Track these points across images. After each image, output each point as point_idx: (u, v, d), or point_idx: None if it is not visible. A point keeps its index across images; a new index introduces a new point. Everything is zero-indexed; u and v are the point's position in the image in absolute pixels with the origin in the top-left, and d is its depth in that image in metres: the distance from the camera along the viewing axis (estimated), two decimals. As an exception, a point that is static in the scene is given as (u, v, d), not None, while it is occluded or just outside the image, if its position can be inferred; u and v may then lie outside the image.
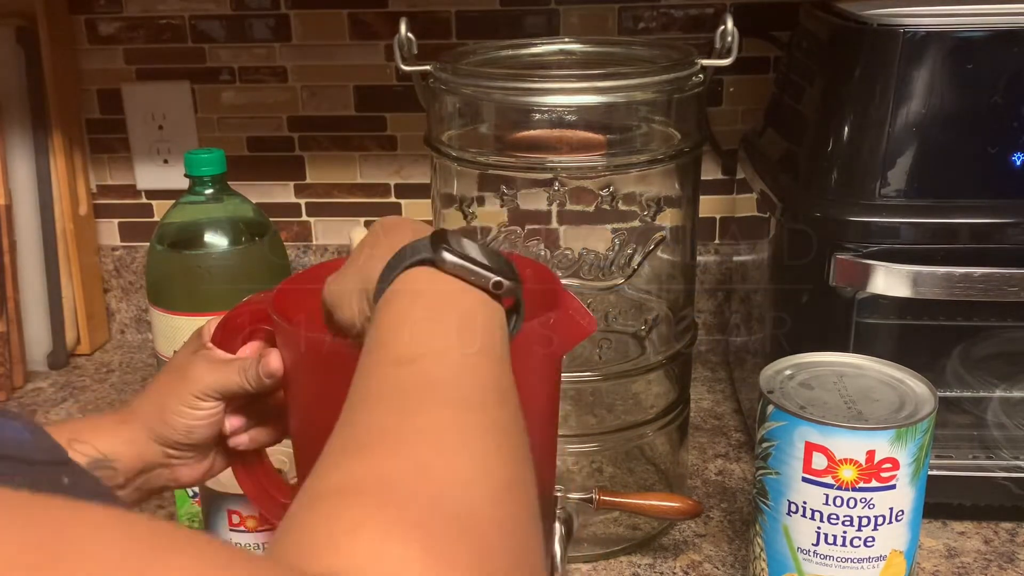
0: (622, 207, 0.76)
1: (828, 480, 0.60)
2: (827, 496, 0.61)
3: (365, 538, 0.31)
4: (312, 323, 0.56)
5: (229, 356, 0.60)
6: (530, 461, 0.41)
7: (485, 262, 0.48)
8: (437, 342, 0.44)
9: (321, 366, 0.55)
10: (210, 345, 0.61)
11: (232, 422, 0.61)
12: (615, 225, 0.77)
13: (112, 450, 0.58)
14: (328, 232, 1.18)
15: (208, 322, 0.61)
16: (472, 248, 0.49)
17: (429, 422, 0.39)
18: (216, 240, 0.83)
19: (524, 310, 0.51)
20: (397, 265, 0.48)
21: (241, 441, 0.61)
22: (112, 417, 0.60)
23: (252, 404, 0.61)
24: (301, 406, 0.59)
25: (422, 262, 0.48)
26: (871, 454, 0.59)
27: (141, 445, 0.59)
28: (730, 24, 0.76)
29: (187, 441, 0.60)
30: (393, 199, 1.17)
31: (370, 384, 0.42)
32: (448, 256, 0.47)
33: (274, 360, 0.58)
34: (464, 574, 0.32)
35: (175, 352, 0.64)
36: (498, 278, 0.48)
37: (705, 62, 0.76)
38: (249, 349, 0.61)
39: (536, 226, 0.76)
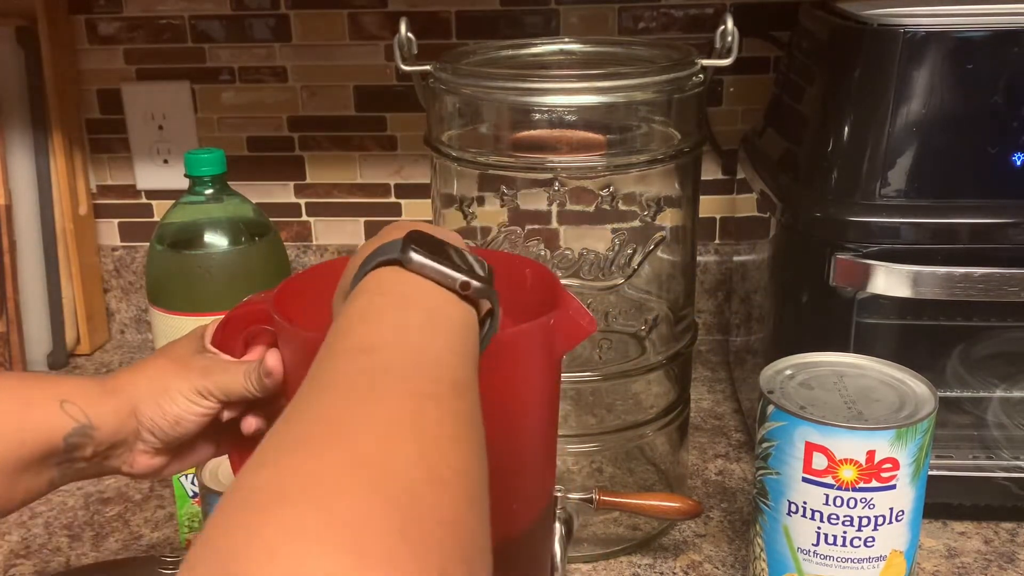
0: (622, 207, 0.76)
1: (828, 480, 0.60)
2: (827, 496, 0.61)
3: (291, 550, 0.28)
4: (314, 323, 0.55)
5: (233, 359, 0.59)
6: (484, 458, 0.39)
7: (455, 262, 0.48)
8: (398, 334, 0.43)
9: None
10: (212, 348, 0.60)
11: (248, 423, 0.60)
12: (615, 225, 0.76)
13: (96, 417, 0.57)
14: (328, 232, 1.18)
15: (210, 323, 0.61)
16: (445, 249, 0.48)
17: (378, 411, 0.36)
18: (216, 240, 0.83)
19: (499, 314, 0.50)
20: (367, 264, 0.48)
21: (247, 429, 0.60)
22: (98, 385, 0.59)
23: (253, 405, 0.60)
24: None
25: (389, 262, 0.48)
26: (871, 454, 0.59)
27: (122, 418, 0.58)
28: (730, 24, 0.76)
29: (169, 430, 0.58)
30: (393, 199, 1.17)
31: (322, 373, 0.40)
32: (415, 256, 0.47)
33: (272, 359, 0.57)
34: (403, 574, 0.29)
35: (170, 342, 0.63)
36: (465, 278, 0.47)
37: (705, 62, 0.76)
38: (254, 353, 0.60)
39: (536, 226, 0.76)
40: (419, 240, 0.48)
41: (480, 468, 0.38)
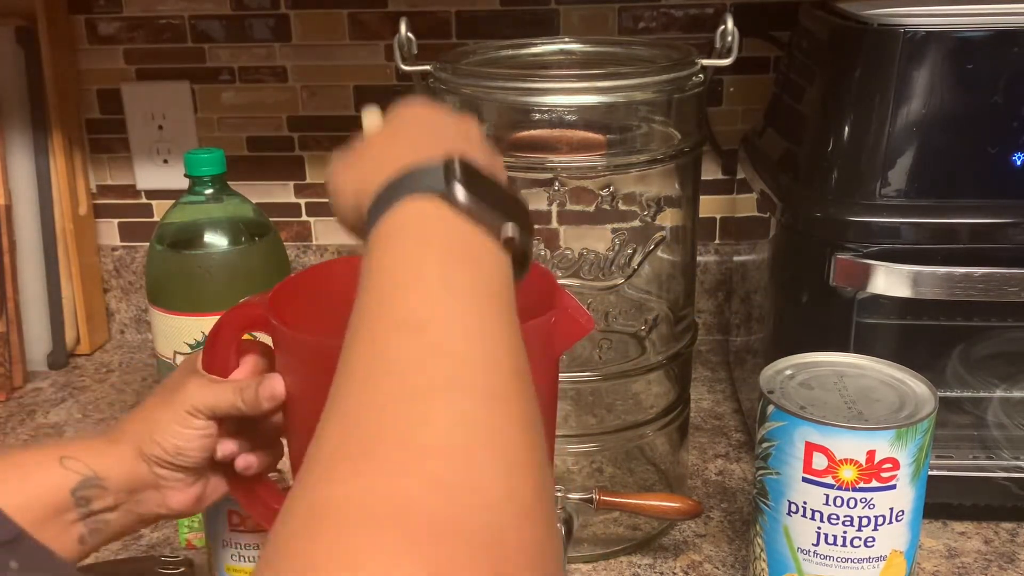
0: (622, 207, 0.76)
1: (828, 480, 0.60)
2: (827, 496, 0.61)
3: (376, 567, 0.27)
4: (313, 327, 0.54)
5: (223, 380, 0.58)
6: (550, 465, 0.37)
7: (503, 203, 0.41)
8: (448, 303, 0.37)
9: (329, 377, 0.54)
10: (203, 371, 0.58)
11: (225, 447, 0.58)
12: (615, 225, 0.76)
13: (102, 468, 0.56)
14: (328, 232, 1.18)
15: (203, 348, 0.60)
16: (493, 185, 0.42)
17: (443, 417, 0.32)
18: (216, 240, 0.83)
19: (529, 265, 0.44)
20: (399, 189, 0.41)
21: (240, 465, 0.58)
22: (102, 437, 0.58)
23: (248, 428, 0.59)
24: (303, 424, 0.54)
25: (427, 191, 0.40)
26: (871, 454, 0.59)
27: (130, 463, 0.57)
28: (730, 24, 0.76)
29: (175, 462, 0.57)
30: (393, 199, 1.17)
31: (366, 353, 0.35)
32: (462, 194, 0.40)
33: (277, 383, 0.55)
34: None
35: (170, 375, 0.62)
36: (513, 228, 0.41)
37: (705, 62, 0.76)
38: (245, 369, 0.59)
39: (536, 226, 0.76)
40: (467, 171, 0.41)
41: (549, 482, 0.35)
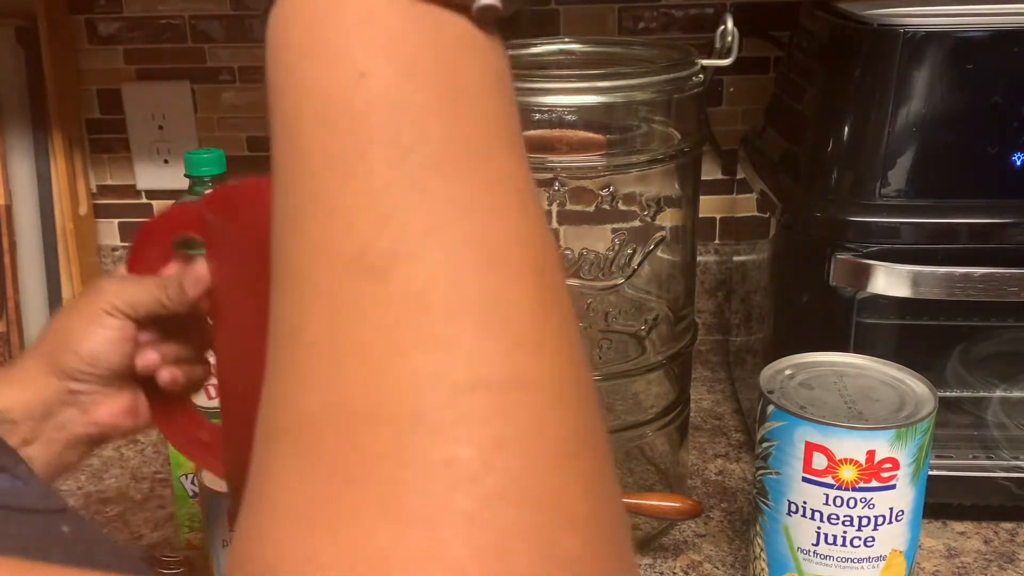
0: (622, 207, 0.76)
1: (828, 480, 0.60)
2: (827, 496, 0.61)
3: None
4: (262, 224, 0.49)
5: (145, 277, 0.53)
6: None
7: None
8: (424, 207, 0.25)
9: (266, 284, 0.48)
10: (126, 273, 0.54)
11: (146, 357, 0.53)
12: (615, 225, 0.76)
13: (5, 400, 0.51)
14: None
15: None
16: None
17: (453, 415, 0.24)
18: (216, 240, 0.83)
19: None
20: None
21: (164, 379, 0.53)
22: (3, 370, 0.54)
23: (172, 337, 0.54)
24: (232, 337, 0.49)
25: None
26: (871, 454, 0.59)
27: (38, 383, 0.52)
28: (730, 24, 0.76)
29: (94, 371, 0.52)
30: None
31: (331, 313, 0.25)
32: None
33: (202, 269, 0.50)
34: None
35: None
36: None
37: (705, 62, 0.76)
38: (171, 269, 0.54)
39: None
40: None
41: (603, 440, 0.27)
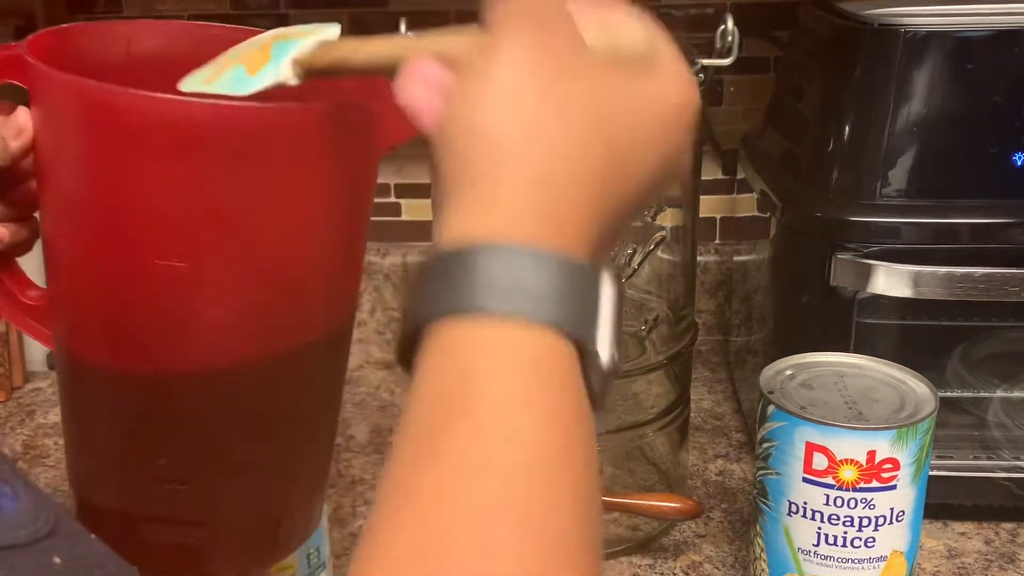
0: (622, 207, 0.75)
1: (829, 480, 0.60)
2: (828, 496, 0.61)
3: None
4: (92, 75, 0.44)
5: None
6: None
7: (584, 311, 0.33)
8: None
9: (95, 134, 0.44)
10: None
11: None
12: (615, 225, 0.76)
13: None
14: (328, 232, 1.18)
15: None
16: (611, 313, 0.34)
17: None
18: (215, 240, 0.83)
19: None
20: (423, 305, 0.33)
21: None
22: None
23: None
24: (58, 193, 0.47)
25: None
26: (872, 454, 0.59)
27: None
28: (730, 23, 0.76)
29: None
30: (393, 199, 1.16)
31: None
32: (607, 357, 0.33)
33: (23, 117, 0.46)
34: None
35: None
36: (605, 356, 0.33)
37: (705, 62, 0.76)
38: None
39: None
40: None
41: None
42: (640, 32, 0.39)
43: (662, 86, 0.38)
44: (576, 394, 0.32)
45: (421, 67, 0.39)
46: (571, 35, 0.36)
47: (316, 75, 0.44)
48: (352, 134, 0.47)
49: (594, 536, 0.31)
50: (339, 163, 0.47)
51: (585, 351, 0.33)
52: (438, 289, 0.33)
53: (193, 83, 0.47)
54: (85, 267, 0.48)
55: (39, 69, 0.45)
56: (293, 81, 0.44)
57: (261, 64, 0.45)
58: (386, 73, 0.40)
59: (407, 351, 0.34)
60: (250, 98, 0.44)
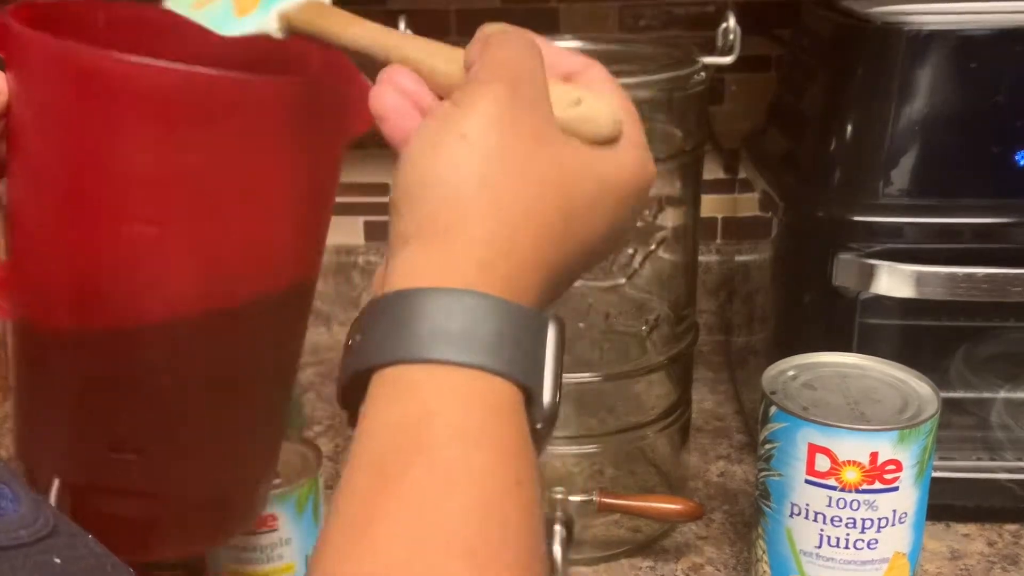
0: (623, 206, 0.75)
1: (831, 482, 0.60)
2: (830, 498, 0.60)
3: None
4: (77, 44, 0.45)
5: None
6: None
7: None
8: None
9: (72, 100, 0.45)
10: None
11: None
12: (616, 225, 0.76)
13: None
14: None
15: None
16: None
17: None
18: (214, 240, 0.83)
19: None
20: (359, 354, 0.36)
21: None
22: None
23: None
24: (29, 162, 0.48)
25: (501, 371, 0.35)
26: (874, 455, 0.59)
27: None
28: (732, 22, 0.76)
29: None
30: (393, 198, 1.16)
31: None
32: (549, 406, 0.36)
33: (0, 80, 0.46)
34: None
35: None
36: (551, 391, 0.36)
37: (707, 60, 0.76)
38: None
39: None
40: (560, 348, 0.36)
41: None
42: (607, 111, 0.41)
43: (620, 164, 0.41)
44: (523, 434, 0.35)
45: (399, 76, 0.41)
46: (541, 101, 0.39)
47: (299, 35, 0.45)
48: (321, 113, 0.49)
49: (542, 568, 0.33)
50: (307, 137, 0.49)
51: (530, 395, 0.35)
52: (390, 332, 0.34)
53: (180, 4, 0.48)
54: (54, 230, 0.49)
55: (20, 32, 0.46)
56: (277, 34, 0.45)
57: (250, 8, 0.46)
58: (366, 59, 0.42)
59: (352, 391, 0.36)
60: (224, 60, 0.45)
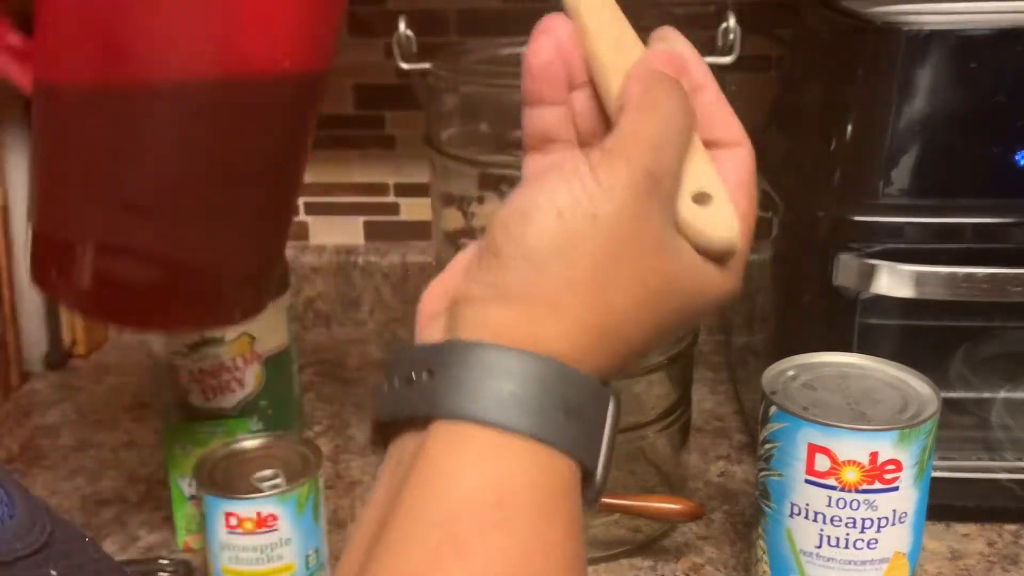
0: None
1: (831, 482, 0.60)
2: (830, 498, 0.60)
3: None
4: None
5: None
6: None
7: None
8: None
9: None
10: None
11: None
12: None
13: None
14: (326, 231, 1.18)
15: None
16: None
17: None
18: (214, 239, 0.83)
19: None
20: (391, 405, 0.38)
21: None
22: None
23: None
24: None
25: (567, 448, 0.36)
26: (874, 455, 0.59)
27: None
28: (732, 22, 0.76)
29: None
30: (392, 198, 1.16)
31: None
32: (600, 477, 0.37)
33: None
34: None
35: None
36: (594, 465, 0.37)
37: (707, 60, 0.76)
38: None
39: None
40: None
41: None
42: (726, 228, 0.42)
43: (718, 284, 0.42)
44: (579, 507, 0.36)
45: (561, 30, 0.43)
46: (672, 199, 0.40)
47: None
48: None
49: None
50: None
51: (586, 472, 0.36)
52: (471, 386, 0.35)
53: None
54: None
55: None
56: None
57: None
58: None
59: (403, 425, 0.37)
60: None
